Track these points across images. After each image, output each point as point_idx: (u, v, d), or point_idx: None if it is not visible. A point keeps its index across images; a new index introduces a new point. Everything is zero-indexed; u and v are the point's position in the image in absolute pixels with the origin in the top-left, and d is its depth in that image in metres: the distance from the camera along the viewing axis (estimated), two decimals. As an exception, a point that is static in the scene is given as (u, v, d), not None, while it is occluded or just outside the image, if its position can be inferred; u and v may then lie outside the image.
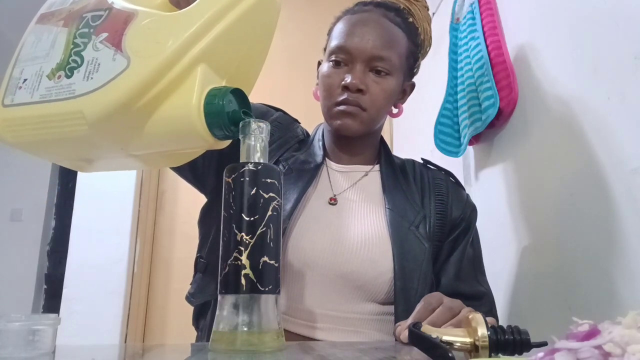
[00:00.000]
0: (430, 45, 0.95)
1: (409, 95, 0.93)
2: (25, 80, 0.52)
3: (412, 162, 0.94)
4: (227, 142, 0.54)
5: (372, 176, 0.89)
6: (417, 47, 0.90)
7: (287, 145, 0.89)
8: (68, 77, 0.49)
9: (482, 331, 0.40)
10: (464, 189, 0.92)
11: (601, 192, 0.76)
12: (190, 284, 0.86)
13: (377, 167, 0.90)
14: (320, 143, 0.89)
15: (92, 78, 0.48)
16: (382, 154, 0.92)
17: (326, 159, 0.89)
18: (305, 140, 0.93)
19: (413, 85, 0.93)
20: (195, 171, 0.84)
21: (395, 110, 0.91)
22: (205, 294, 0.81)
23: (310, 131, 0.96)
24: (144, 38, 0.49)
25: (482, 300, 0.82)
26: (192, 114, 0.48)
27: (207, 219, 0.88)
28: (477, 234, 0.89)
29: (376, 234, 0.78)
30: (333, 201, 0.82)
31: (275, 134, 0.89)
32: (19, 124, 0.51)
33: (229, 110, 0.50)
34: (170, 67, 0.48)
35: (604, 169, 0.76)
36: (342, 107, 0.82)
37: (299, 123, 0.96)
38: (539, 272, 0.93)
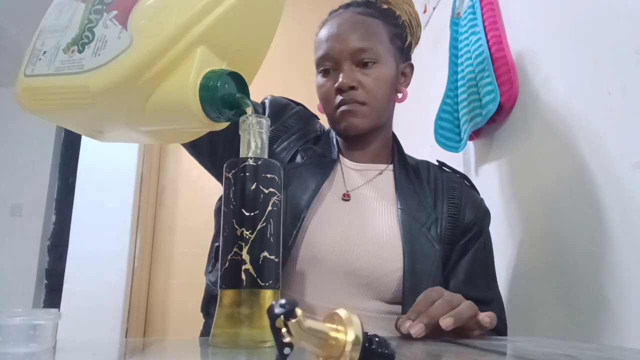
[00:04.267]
0: (419, 25, 0.94)
1: (410, 77, 0.93)
2: (44, 52, 0.54)
3: (427, 164, 0.94)
4: (224, 125, 0.54)
5: (386, 175, 0.89)
6: (400, 29, 0.90)
7: (305, 137, 0.89)
8: (80, 52, 0.52)
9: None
10: (479, 193, 0.92)
11: (601, 187, 0.76)
12: (210, 272, 0.85)
13: (391, 166, 0.90)
14: (334, 140, 0.90)
15: (99, 54, 0.50)
16: (395, 154, 0.92)
17: (340, 156, 0.90)
18: (322, 136, 0.93)
19: (412, 66, 0.93)
20: (214, 160, 0.84)
21: (399, 95, 0.91)
22: None
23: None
24: (148, 17, 0.50)
25: (491, 306, 0.81)
26: (187, 94, 0.49)
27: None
28: (489, 238, 0.88)
29: (387, 233, 0.78)
30: (346, 197, 0.83)
31: (295, 126, 0.90)
32: (38, 94, 0.54)
33: (224, 93, 0.50)
34: (169, 47, 0.48)
35: (604, 164, 0.76)
36: (341, 109, 0.83)
37: (319, 119, 0.97)
38: (540, 267, 0.93)
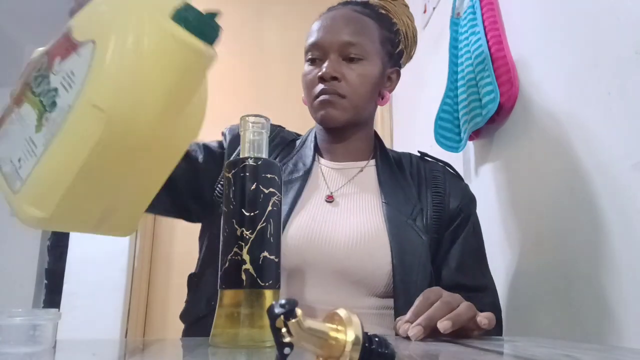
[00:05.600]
0: (415, 42, 0.96)
1: (396, 82, 0.94)
2: (19, 159, 0.49)
3: (409, 156, 0.95)
4: (215, 52, 0.49)
5: (367, 171, 0.89)
6: (393, 35, 0.91)
7: (274, 154, 0.90)
8: (53, 110, 0.47)
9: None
10: (463, 180, 0.92)
11: (601, 187, 0.76)
12: (186, 301, 0.87)
13: (372, 162, 0.91)
14: (312, 144, 0.90)
15: (72, 83, 0.46)
16: (377, 149, 0.92)
17: (319, 157, 0.90)
18: (296, 139, 0.94)
19: (398, 73, 0.94)
20: (185, 207, 0.84)
21: (382, 99, 0.91)
22: (192, 314, 0.81)
23: (300, 131, 0.97)
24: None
25: (485, 292, 0.82)
26: (168, 35, 0.45)
27: (201, 234, 0.89)
28: (478, 224, 0.88)
29: (373, 229, 0.79)
30: (330, 199, 0.83)
31: None
32: (42, 192, 0.47)
33: (196, 14, 0.47)
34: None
35: (604, 164, 0.76)
36: (320, 98, 0.84)
37: (283, 128, 0.97)
38: (539, 266, 0.93)
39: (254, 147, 0.52)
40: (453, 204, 0.85)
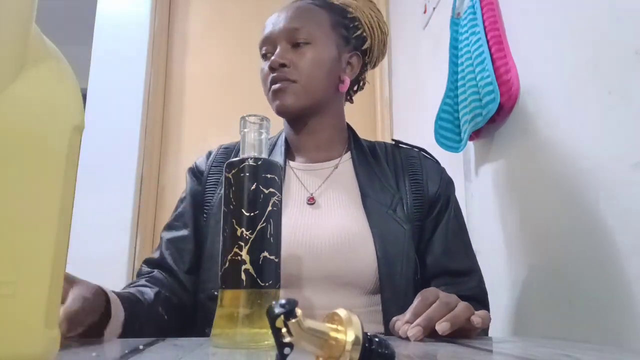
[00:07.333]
0: (384, 33, 0.95)
1: (358, 67, 0.92)
2: None
3: (383, 144, 0.94)
4: None
5: (342, 167, 0.88)
6: (347, 20, 0.91)
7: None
8: None
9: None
10: (439, 163, 0.92)
11: (602, 188, 0.76)
12: None
13: (346, 155, 0.90)
14: (283, 147, 0.89)
15: None
16: (351, 141, 0.91)
17: (289, 161, 0.89)
18: None
19: (359, 57, 0.92)
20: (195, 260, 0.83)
21: (342, 84, 0.90)
22: None
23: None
24: None
25: (471, 276, 0.82)
26: None
27: None
28: (458, 206, 0.88)
29: (355, 227, 0.78)
30: (311, 201, 0.82)
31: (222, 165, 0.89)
32: None
33: None
34: None
35: (604, 164, 0.76)
36: (273, 87, 0.83)
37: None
38: (539, 266, 0.93)
39: (254, 147, 0.52)
40: (432, 190, 0.85)
